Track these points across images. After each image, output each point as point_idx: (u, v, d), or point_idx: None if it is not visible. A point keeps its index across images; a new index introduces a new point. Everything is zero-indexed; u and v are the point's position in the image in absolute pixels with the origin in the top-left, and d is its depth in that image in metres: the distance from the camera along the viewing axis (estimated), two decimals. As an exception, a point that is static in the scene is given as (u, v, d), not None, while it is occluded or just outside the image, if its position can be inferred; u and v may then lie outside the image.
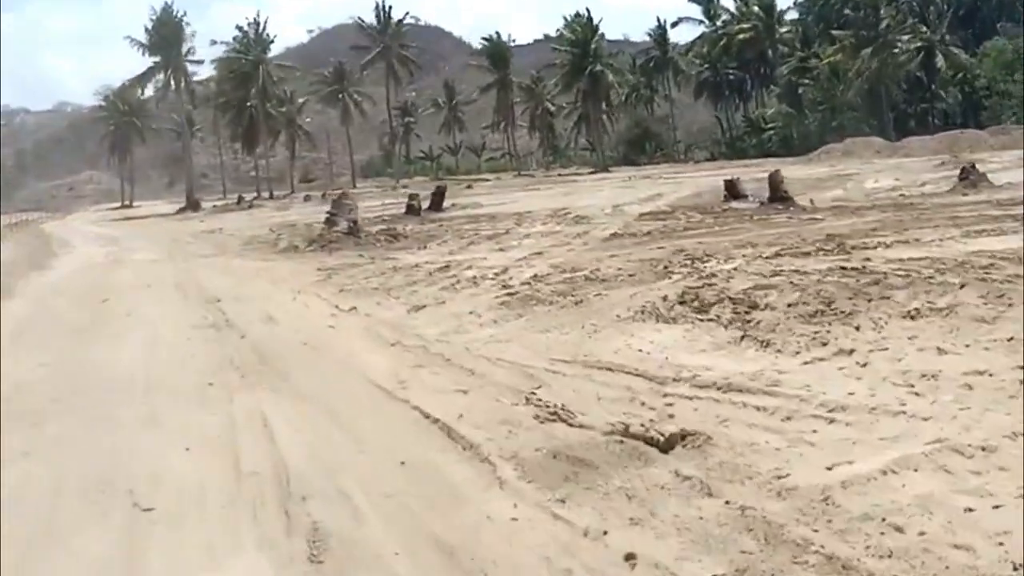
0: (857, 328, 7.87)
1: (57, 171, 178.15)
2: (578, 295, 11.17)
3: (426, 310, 11.36)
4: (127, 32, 62.84)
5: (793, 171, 42.97)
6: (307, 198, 65.15)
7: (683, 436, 5.28)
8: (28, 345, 10.66)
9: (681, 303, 9.89)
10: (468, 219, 27.90)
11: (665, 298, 10.12)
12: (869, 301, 8.82)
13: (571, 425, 5.80)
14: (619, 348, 8.25)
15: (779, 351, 7.56)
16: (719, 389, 6.48)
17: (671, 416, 5.88)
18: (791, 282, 10.33)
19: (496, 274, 13.99)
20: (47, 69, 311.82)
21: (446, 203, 33.08)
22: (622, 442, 5.33)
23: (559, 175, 79.77)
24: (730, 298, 9.79)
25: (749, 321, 8.71)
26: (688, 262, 13.26)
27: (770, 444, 5.16)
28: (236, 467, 5.58)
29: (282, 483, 5.20)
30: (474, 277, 13.84)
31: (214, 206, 64.98)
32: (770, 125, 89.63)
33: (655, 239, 17.85)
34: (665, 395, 6.47)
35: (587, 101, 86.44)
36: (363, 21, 78.65)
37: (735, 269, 12.02)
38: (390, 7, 78.95)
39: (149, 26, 64.24)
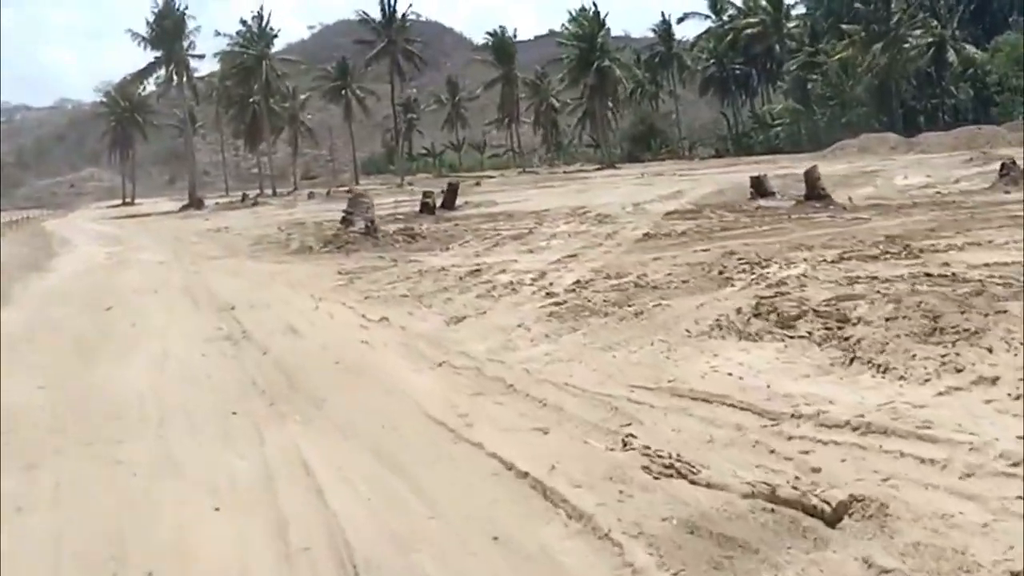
0: (990, 350, 6.74)
1: (58, 168, 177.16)
2: (634, 305, 10.10)
3: (467, 322, 10.25)
4: (128, 27, 61.34)
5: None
6: (311, 195, 64.03)
7: (850, 503, 4.15)
8: (24, 362, 9.54)
9: (757, 316, 8.82)
10: (485, 217, 26.82)
11: (739, 310, 9.03)
12: (985, 316, 7.68)
13: (695, 483, 4.67)
14: (705, 372, 7.15)
15: (902, 378, 6.43)
16: (856, 430, 5.35)
17: (815, 470, 4.76)
18: (877, 291, 9.26)
19: (534, 279, 12.91)
20: (48, 65, 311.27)
21: (458, 201, 31.97)
22: (772, 510, 4.21)
23: (564, 172, 78.69)
24: (814, 310, 8.70)
25: (847, 339, 7.60)
26: (746, 267, 12.19)
27: (967, 516, 4.04)
28: (282, 537, 4.46)
29: (346, 567, 4.08)
30: (510, 283, 12.74)
31: (217, 203, 63.87)
32: (777, 121, 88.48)
33: (693, 240, 16.83)
34: (790, 438, 5.36)
35: (593, 97, 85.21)
36: (367, 15, 77.29)
37: (803, 275, 10.94)
38: (394, 1, 77.69)
39: (151, 19, 63.27)
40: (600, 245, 17.22)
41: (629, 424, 5.89)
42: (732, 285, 10.96)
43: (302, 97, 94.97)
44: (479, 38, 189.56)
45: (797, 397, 6.16)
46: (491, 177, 73.29)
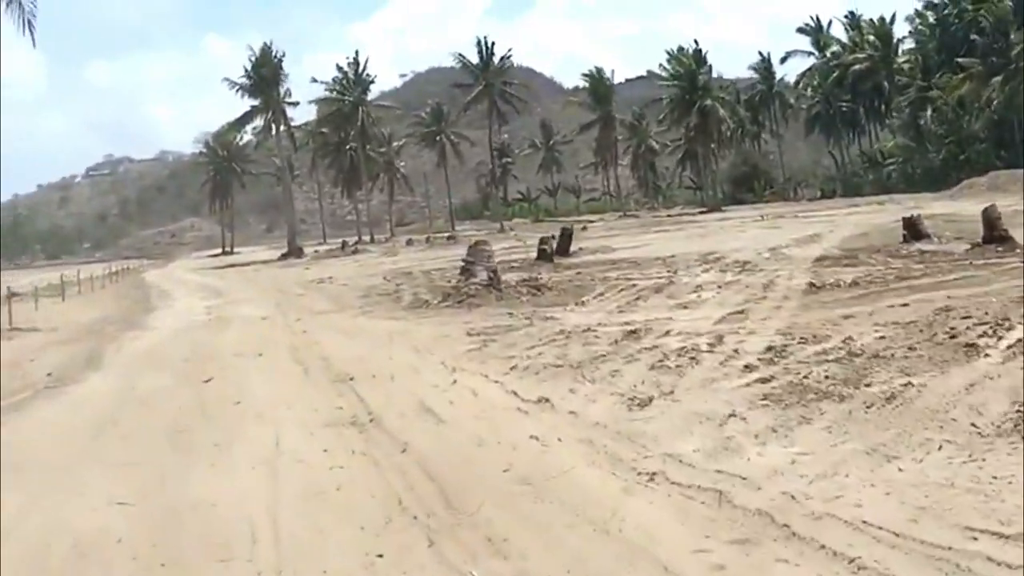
0: None
1: (160, 218, 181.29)
2: (872, 384, 7.80)
3: (655, 406, 8.03)
4: (226, 75, 61.13)
5: (939, 207, 39.05)
6: (410, 242, 62.77)
7: None
8: (106, 459, 7.64)
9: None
10: (607, 265, 24.63)
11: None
12: None
13: None
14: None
15: None
16: None
17: None
18: None
19: (711, 345, 10.65)
20: (149, 118, 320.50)
21: (572, 246, 29.88)
22: None
23: (668, 215, 76.13)
24: None
25: None
26: (981, 328, 9.78)
27: None
28: None
29: None
30: (684, 349, 10.49)
31: (315, 252, 62.95)
32: (889, 160, 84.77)
33: (872, 292, 14.49)
34: None
35: (695, 137, 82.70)
36: (464, 58, 76.09)
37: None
38: (492, 43, 76.41)
39: (248, 68, 62.94)
40: (763, 299, 14.89)
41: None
42: (984, 355, 8.62)
43: (398, 143, 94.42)
44: (569, 82, 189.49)
45: None
46: (591, 221, 71.16)
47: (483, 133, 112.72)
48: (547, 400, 8.55)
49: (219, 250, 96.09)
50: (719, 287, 17.20)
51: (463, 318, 15.30)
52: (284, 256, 60.32)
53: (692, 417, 7.51)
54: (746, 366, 9.16)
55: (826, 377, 8.28)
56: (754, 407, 7.61)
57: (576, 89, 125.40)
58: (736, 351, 10.12)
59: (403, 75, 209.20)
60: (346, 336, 14.65)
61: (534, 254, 27.83)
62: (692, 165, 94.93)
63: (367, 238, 73.54)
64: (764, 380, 8.49)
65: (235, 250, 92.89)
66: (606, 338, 11.92)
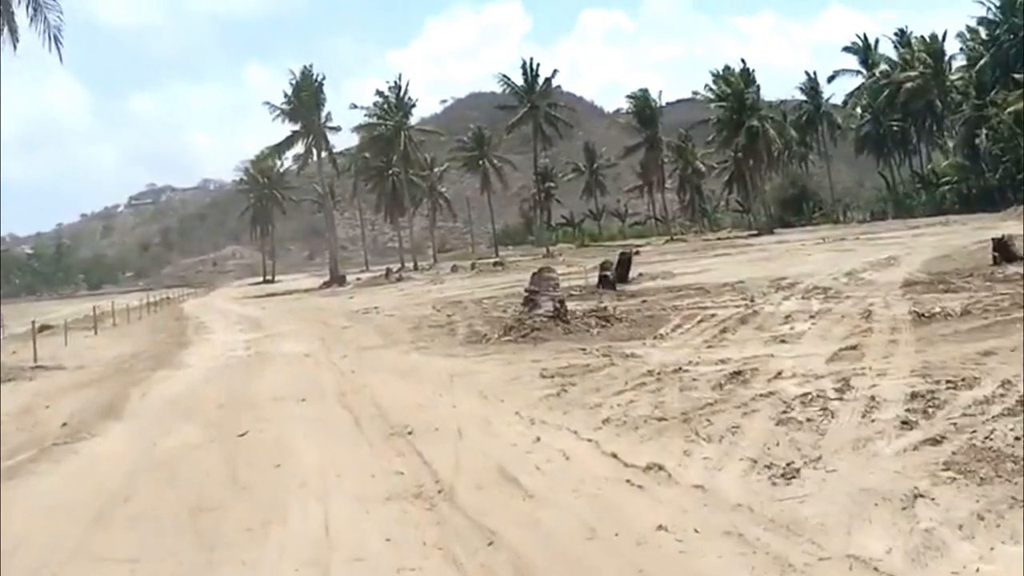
0: None
1: (201, 247, 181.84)
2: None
3: (803, 477, 6.32)
4: (266, 99, 60.05)
5: (1010, 227, 36.88)
6: (454, 268, 61.23)
7: None
8: (103, 554, 6.05)
9: None
10: (673, 292, 22.90)
11: None
12: None
13: None
14: None
15: None
16: None
17: None
18: None
19: (837, 390, 8.94)
20: (191, 147, 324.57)
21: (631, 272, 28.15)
22: None
23: (719, 239, 74.09)
24: None
25: None
26: None
27: None
28: None
29: None
30: (807, 396, 8.77)
31: (358, 279, 61.56)
32: (944, 180, 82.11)
33: (993, 321, 12.76)
34: None
35: (744, 159, 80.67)
36: (509, 79, 74.57)
37: None
38: (538, 64, 74.76)
39: (288, 92, 61.85)
40: (868, 331, 13.12)
41: None
42: None
43: (439, 168, 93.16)
44: (609, 106, 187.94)
45: None
46: (639, 246, 69.32)
47: (524, 158, 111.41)
48: (660, 467, 6.87)
49: (260, 278, 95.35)
50: (810, 317, 15.44)
51: (530, 355, 13.63)
52: (326, 284, 58.96)
53: (861, 496, 5.79)
54: (903, 421, 7.41)
55: (1017, 439, 6.54)
56: (938, 481, 5.89)
57: (618, 112, 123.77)
58: (873, 398, 8.38)
59: (443, 101, 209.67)
60: (400, 377, 13.01)
61: (589, 280, 26.16)
62: (739, 187, 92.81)
63: (410, 265, 72.10)
64: (934, 441, 6.75)
65: (276, 278, 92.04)
66: (705, 381, 10.21)
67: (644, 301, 20.95)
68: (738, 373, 10.44)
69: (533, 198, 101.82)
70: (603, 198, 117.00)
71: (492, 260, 67.45)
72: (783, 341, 12.91)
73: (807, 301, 18.05)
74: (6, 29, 19.66)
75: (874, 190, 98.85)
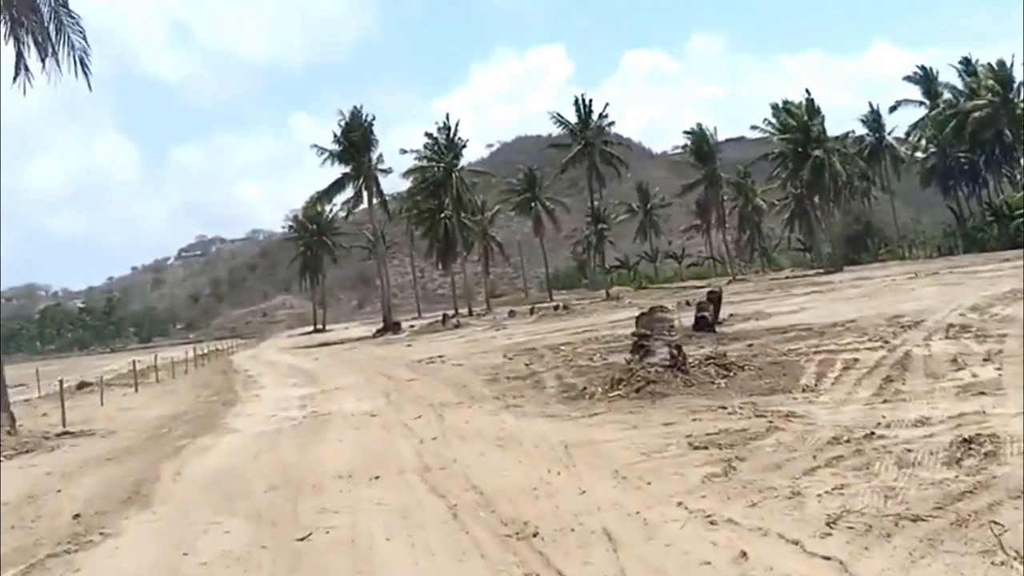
0: None
1: (251, 297, 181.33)
2: None
3: None
4: (314, 158, 58.30)
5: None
6: (512, 313, 58.44)
7: None
8: None
9: None
10: (779, 334, 20.06)
11: None
12: None
13: None
14: None
15: None
16: None
17: None
18: None
19: None
20: (240, 198, 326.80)
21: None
22: None
23: (787, 278, 70.74)
24: None
25: None
26: None
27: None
28: None
29: None
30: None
31: (411, 326, 59.01)
32: (1018, 211, 78.09)
33: None
34: None
35: (809, 194, 77.41)
36: (562, 117, 71.95)
37: None
38: (590, 100, 72.18)
39: (337, 133, 59.74)
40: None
41: None
42: None
43: (490, 212, 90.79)
44: (656, 147, 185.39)
45: None
46: (699, 287, 66.25)
47: (573, 200, 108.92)
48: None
49: (311, 327, 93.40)
50: (985, 360, 12.58)
51: (656, 416, 10.87)
52: (380, 332, 56.39)
53: None
54: None
55: None
56: None
57: (665, 154, 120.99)
58: None
59: (489, 145, 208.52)
60: (496, 446, 10.27)
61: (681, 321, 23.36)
62: (802, 224, 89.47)
63: (463, 311, 69.52)
64: None
65: (327, 327, 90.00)
66: (926, 452, 7.50)
67: (751, 345, 18.15)
68: (968, 441, 7.65)
69: (586, 240, 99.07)
70: (656, 239, 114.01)
71: (552, 304, 64.61)
72: (982, 393, 10.08)
73: (957, 341, 15.17)
74: (30, 55, 17.53)
75: (939, 225, 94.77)
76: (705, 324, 20.70)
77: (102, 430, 16.16)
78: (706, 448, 8.65)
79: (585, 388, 13.74)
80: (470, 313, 68.20)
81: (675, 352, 13.44)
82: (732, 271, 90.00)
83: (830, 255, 79.29)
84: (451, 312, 65.49)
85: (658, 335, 13.83)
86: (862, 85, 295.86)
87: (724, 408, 10.75)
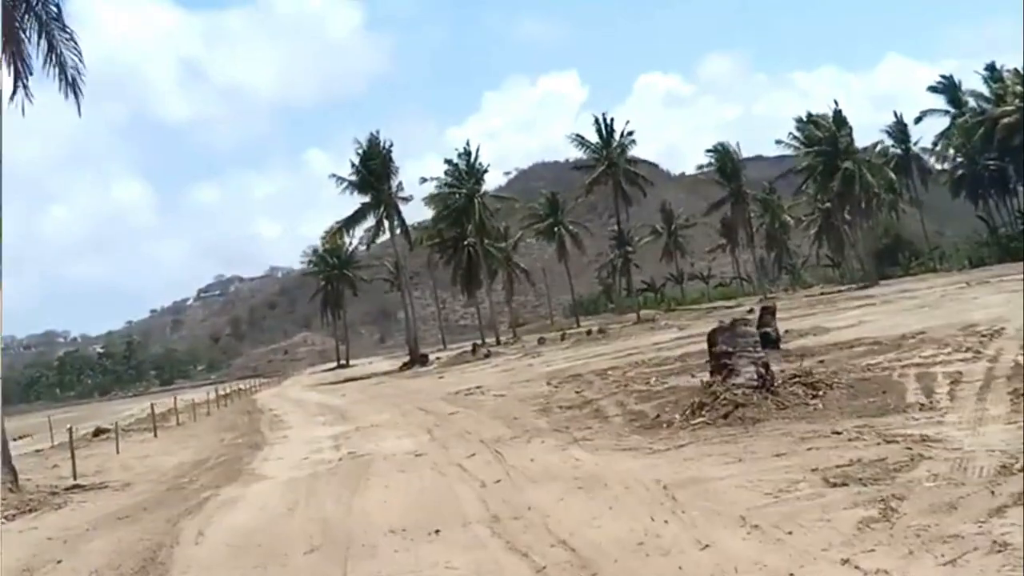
0: None
1: (272, 335, 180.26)
2: None
3: None
4: (330, 194, 56.71)
5: None
6: (541, 341, 56.78)
7: None
8: None
9: None
10: (848, 349, 18.47)
11: None
12: None
13: None
14: None
15: None
16: None
17: None
18: None
19: None
20: (257, 236, 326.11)
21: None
22: None
23: (822, 293, 68.82)
24: None
25: None
26: None
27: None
28: None
29: None
30: None
31: (438, 358, 57.39)
32: (1052, 220, 76.15)
33: None
34: None
35: (839, 207, 75.52)
36: (584, 138, 70.32)
37: None
38: (611, 119, 70.46)
39: (356, 161, 58.13)
40: None
41: None
42: None
43: (512, 239, 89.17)
44: (674, 169, 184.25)
45: None
46: (730, 307, 64.48)
47: (595, 224, 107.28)
48: None
49: (334, 363, 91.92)
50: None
51: (759, 445, 9.25)
52: (406, 365, 54.66)
53: None
54: None
55: None
56: None
57: (683, 175, 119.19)
58: None
59: (507, 173, 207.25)
60: (576, 489, 8.66)
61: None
62: (830, 239, 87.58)
63: (490, 340, 67.84)
64: None
65: (350, 362, 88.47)
66: None
67: (822, 361, 16.48)
68: None
69: (611, 264, 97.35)
70: (681, 261, 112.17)
71: (584, 329, 62.80)
72: None
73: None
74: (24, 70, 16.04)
75: (965, 235, 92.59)
76: (769, 340, 19.01)
77: (116, 482, 14.60)
78: (845, 484, 7.05)
79: (659, 415, 12.15)
80: (497, 342, 66.52)
81: (763, 371, 11.83)
82: (762, 290, 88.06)
83: (861, 270, 77.33)
84: (479, 341, 63.76)
85: (742, 352, 12.22)
86: (875, 100, 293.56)
87: (838, 433, 9.14)
